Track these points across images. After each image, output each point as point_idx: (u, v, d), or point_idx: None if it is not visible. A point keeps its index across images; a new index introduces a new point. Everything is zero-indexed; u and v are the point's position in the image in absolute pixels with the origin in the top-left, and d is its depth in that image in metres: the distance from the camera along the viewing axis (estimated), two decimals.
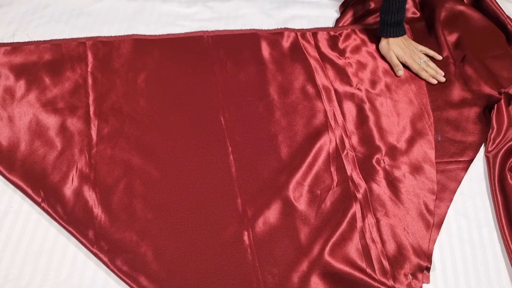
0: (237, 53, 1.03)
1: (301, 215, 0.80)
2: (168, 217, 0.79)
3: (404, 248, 0.78)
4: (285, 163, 0.86)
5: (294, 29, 1.09)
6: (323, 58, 1.03)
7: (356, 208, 0.81)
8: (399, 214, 0.81)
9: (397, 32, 1.00)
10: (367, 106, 0.95)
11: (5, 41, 1.02)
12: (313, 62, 1.02)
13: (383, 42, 1.03)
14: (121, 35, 1.04)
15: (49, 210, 0.78)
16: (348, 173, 0.85)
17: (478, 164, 0.90)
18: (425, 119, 0.94)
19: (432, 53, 1.03)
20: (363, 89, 0.98)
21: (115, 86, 0.95)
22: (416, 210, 0.82)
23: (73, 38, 1.03)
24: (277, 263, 0.75)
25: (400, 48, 1.01)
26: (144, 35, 1.05)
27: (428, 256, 0.77)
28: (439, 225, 0.81)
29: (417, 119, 0.94)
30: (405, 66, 1.01)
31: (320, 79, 0.99)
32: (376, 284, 0.73)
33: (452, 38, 1.07)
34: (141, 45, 1.03)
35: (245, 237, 0.77)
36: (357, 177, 0.85)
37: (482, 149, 0.91)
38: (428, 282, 0.75)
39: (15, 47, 0.99)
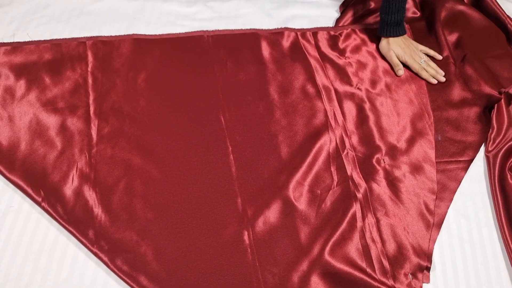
0: (237, 53, 1.03)
1: (301, 215, 0.80)
2: (168, 217, 0.79)
3: (404, 247, 0.78)
4: (285, 163, 0.86)
5: (294, 28, 1.09)
6: (323, 57, 1.03)
7: (356, 207, 0.81)
8: (399, 214, 0.81)
9: (397, 31, 1.00)
10: (367, 105, 0.95)
11: (5, 41, 1.02)
12: (313, 62, 1.02)
13: (383, 42, 1.03)
14: (121, 35, 1.04)
15: (49, 209, 0.78)
16: (348, 173, 0.85)
17: (478, 164, 0.90)
18: (425, 118, 0.94)
19: (432, 52, 1.03)
20: (363, 88, 0.98)
21: (115, 86, 0.95)
22: (416, 210, 0.82)
23: (73, 38, 1.03)
24: (277, 263, 0.75)
25: (400, 48, 1.01)
26: (144, 34, 1.05)
27: (428, 256, 0.77)
28: (439, 225, 0.81)
29: (417, 118, 0.94)
30: (405, 66, 1.01)
31: (320, 78, 0.99)
32: (376, 284, 0.73)
33: (452, 37, 1.07)
34: (141, 44, 1.03)
35: (245, 237, 0.77)
36: (357, 176, 0.85)
37: (482, 149, 0.91)
38: (428, 281, 0.75)
39: (15, 47, 1.00)
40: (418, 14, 1.14)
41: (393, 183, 0.85)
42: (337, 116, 0.93)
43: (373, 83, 0.99)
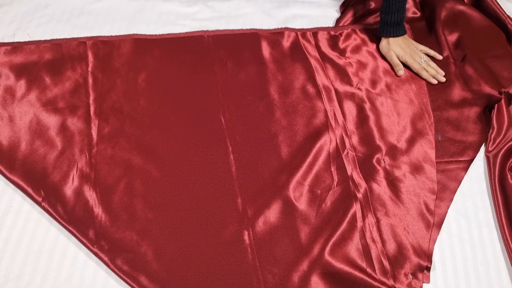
0: (238, 53, 1.03)
1: (302, 215, 0.80)
2: (169, 217, 0.79)
3: (404, 247, 0.78)
4: (286, 163, 0.86)
5: (295, 28, 1.09)
6: (324, 57, 1.03)
7: (356, 207, 0.81)
8: (400, 213, 0.81)
9: (397, 31, 1.00)
10: (367, 105, 0.95)
11: (5, 41, 1.02)
12: (313, 62, 1.02)
13: (384, 42, 1.03)
14: (122, 35, 1.04)
15: (49, 209, 0.78)
16: (349, 173, 0.85)
17: (478, 164, 0.90)
18: (426, 118, 0.94)
19: (432, 53, 1.03)
20: (364, 88, 0.98)
21: (116, 86, 0.95)
22: (417, 210, 0.82)
23: (73, 38, 1.03)
24: (277, 263, 0.75)
25: (401, 48, 1.01)
26: (145, 34, 1.05)
27: (428, 256, 0.77)
28: (439, 225, 0.81)
29: (418, 118, 0.94)
30: (405, 66, 1.01)
31: (321, 78, 0.99)
32: (376, 283, 0.73)
33: (452, 37, 1.07)
34: (142, 44, 1.03)
35: (245, 237, 0.77)
36: (357, 176, 0.85)
37: (482, 149, 0.91)
38: (428, 281, 0.75)
39: (15, 47, 1.00)
40: (418, 14, 1.14)
41: (393, 183, 0.85)
42: (337, 116, 0.93)
43: (373, 83, 0.99)
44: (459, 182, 0.86)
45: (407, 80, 1.00)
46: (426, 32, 1.10)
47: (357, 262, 0.75)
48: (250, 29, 1.08)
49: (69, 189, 0.81)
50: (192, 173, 0.84)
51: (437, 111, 0.95)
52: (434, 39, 1.08)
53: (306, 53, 1.03)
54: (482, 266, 0.78)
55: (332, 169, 0.86)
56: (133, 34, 1.05)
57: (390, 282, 0.74)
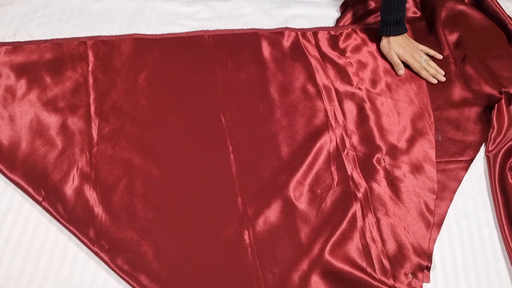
0: (238, 53, 1.03)
1: (302, 215, 0.80)
2: (169, 216, 0.79)
3: (404, 247, 0.78)
4: (286, 163, 0.86)
5: (295, 28, 1.09)
6: (324, 57, 1.03)
7: (356, 207, 0.81)
8: (400, 213, 0.81)
9: (397, 30, 1.00)
10: (367, 105, 0.95)
11: (6, 41, 1.02)
12: (313, 62, 1.02)
13: (384, 41, 1.03)
14: (122, 35, 1.04)
15: (50, 209, 0.78)
16: (349, 173, 0.85)
17: (479, 164, 0.90)
18: (426, 118, 0.94)
19: (432, 52, 1.03)
20: (364, 88, 0.98)
21: (116, 86, 0.95)
22: (417, 210, 0.82)
23: (74, 38, 1.03)
24: (277, 262, 0.75)
25: (401, 47, 1.01)
26: (145, 34, 1.05)
27: (428, 256, 0.77)
28: (439, 224, 0.81)
29: (418, 118, 0.94)
30: (406, 65, 1.01)
31: (321, 78, 0.99)
32: (376, 283, 0.73)
33: (452, 37, 1.07)
34: (142, 44, 1.03)
35: (246, 236, 0.77)
36: (357, 176, 0.85)
37: (482, 148, 0.91)
38: (428, 281, 0.75)
39: (16, 47, 1.00)
40: (419, 14, 1.14)
41: (393, 183, 0.85)
42: (337, 116, 0.93)
43: (374, 83, 0.99)
44: (459, 181, 0.86)
45: (407, 80, 1.00)
46: (426, 32, 1.10)
47: (357, 262, 0.75)
48: (250, 29, 1.08)
49: (69, 189, 0.81)
50: (193, 173, 0.84)
51: (437, 110, 0.95)
52: (434, 39, 1.08)
53: (306, 53, 1.03)
54: (482, 266, 0.78)
55: (332, 168, 0.86)
56: (134, 34, 1.05)
57: (390, 281, 0.74)
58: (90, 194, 0.80)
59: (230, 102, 0.94)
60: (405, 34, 1.02)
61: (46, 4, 1.12)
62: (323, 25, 1.11)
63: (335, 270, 0.74)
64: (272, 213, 0.80)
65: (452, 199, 0.84)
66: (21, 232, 0.78)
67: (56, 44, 1.01)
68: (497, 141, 0.90)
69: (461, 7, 1.10)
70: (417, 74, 1.01)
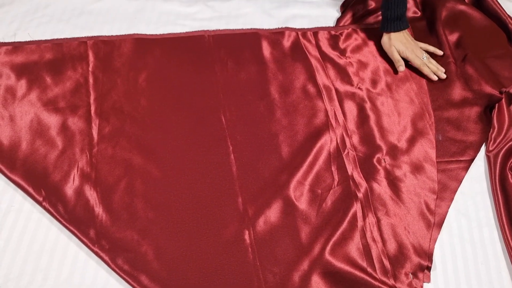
0: (238, 53, 1.03)
1: (302, 214, 0.80)
2: (169, 216, 0.79)
3: (405, 247, 0.78)
4: (286, 163, 0.86)
5: (295, 28, 1.09)
6: (324, 57, 1.03)
7: (357, 207, 0.81)
8: (400, 213, 0.81)
9: (398, 26, 0.99)
10: (368, 105, 0.95)
11: (6, 41, 1.02)
12: (314, 62, 1.02)
13: (385, 38, 1.02)
14: (122, 35, 1.04)
15: (50, 209, 0.78)
16: (349, 173, 0.85)
17: (479, 164, 0.90)
18: (426, 118, 0.94)
19: (432, 48, 1.03)
20: (364, 88, 0.98)
21: (116, 86, 0.95)
22: (417, 210, 0.82)
23: (74, 38, 1.03)
24: (278, 262, 0.75)
25: (402, 43, 1.00)
26: (145, 34, 1.05)
27: (429, 256, 0.77)
28: (440, 224, 0.81)
29: (418, 118, 0.94)
30: (406, 62, 1.01)
31: (321, 78, 0.99)
32: (377, 283, 0.73)
33: (453, 37, 1.07)
34: (142, 44, 1.03)
35: (246, 236, 0.77)
36: (358, 176, 0.85)
37: (483, 148, 0.91)
38: (429, 281, 0.75)
39: (16, 47, 1.00)
40: (419, 14, 1.14)
41: (393, 183, 0.85)
42: (337, 116, 0.93)
43: (374, 82, 0.99)
44: (459, 181, 0.86)
45: (408, 80, 1.00)
46: (427, 32, 1.10)
47: (358, 262, 0.75)
48: (251, 29, 1.08)
49: (69, 189, 0.81)
50: (193, 173, 0.84)
51: (438, 110, 0.95)
52: (434, 39, 1.08)
53: (307, 52, 1.03)
54: (483, 265, 0.78)
55: (333, 168, 0.86)
56: (134, 34, 1.05)
57: (391, 281, 0.74)
58: (91, 194, 0.80)
59: (230, 102, 0.94)
60: (406, 31, 1.02)
61: (46, 4, 1.12)
62: (324, 25, 1.11)
63: (335, 270, 0.74)
64: (273, 213, 0.80)
65: (452, 199, 0.84)
66: (22, 232, 0.78)
67: (57, 44, 1.01)
68: (498, 141, 0.90)
69: (462, 7, 1.10)
70: (415, 72, 1.00)
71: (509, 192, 0.83)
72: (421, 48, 1.02)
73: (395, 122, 0.93)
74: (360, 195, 0.82)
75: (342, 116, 0.93)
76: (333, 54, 1.04)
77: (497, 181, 0.85)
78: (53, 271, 0.75)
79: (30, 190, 0.80)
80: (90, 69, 0.97)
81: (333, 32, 1.08)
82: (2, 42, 1.01)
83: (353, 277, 0.74)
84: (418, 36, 1.08)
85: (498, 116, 0.93)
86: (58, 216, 0.78)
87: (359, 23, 1.11)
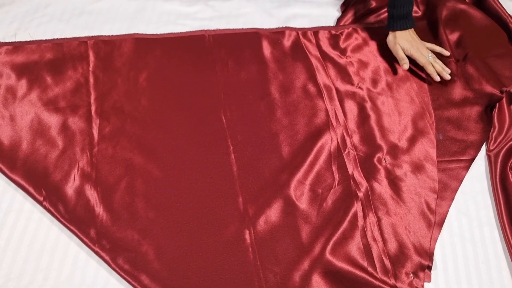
0: (238, 52, 1.03)
1: (303, 214, 0.80)
2: (170, 216, 0.79)
3: (405, 247, 0.78)
4: (287, 162, 0.86)
5: (295, 28, 1.09)
6: (324, 57, 1.03)
7: (357, 207, 0.81)
8: (401, 213, 0.81)
9: (404, 25, 0.98)
10: (368, 105, 0.95)
11: (6, 40, 1.02)
12: (314, 61, 1.02)
13: (390, 36, 1.01)
14: (123, 34, 1.04)
15: (50, 209, 0.78)
16: (350, 172, 0.85)
17: (480, 163, 0.90)
18: (427, 118, 0.94)
19: (438, 49, 1.01)
20: (365, 88, 0.98)
21: (117, 85, 0.95)
22: (418, 209, 0.82)
23: (74, 37, 1.03)
24: (278, 262, 0.75)
25: (407, 41, 0.99)
26: (145, 34, 1.05)
27: (429, 255, 0.77)
28: (440, 223, 0.81)
29: (419, 118, 0.94)
30: (411, 61, 1.00)
31: (322, 78, 0.99)
32: (377, 282, 0.73)
33: (453, 37, 1.07)
34: (143, 44, 1.03)
35: (247, 236, 0.77)
36: (358, 176, 0.85)
37: (483, 148, 0.91)
38: (429, 280, 0.75)
39: (16, 47, 1.00)
40: (420, 13, 1.14)
41: (394, 182, 0.85)
42: (338, 115, 0.93)
43: (374, 82, 0.99)
44: (460, 181, 0.86)
45: (408, 79, 1.00)
46: (427, 31, 1.10)
47: (358, 261, 0.75)
48: (251, 28, 1.08)
49: (70, 189, 0.81)
50: (193, 173, 0.84)
51: (438, 110, 0.95)
52: (435, 38, 1.07)
53: (307, 52, 1.03)
54: (483, 265, 0.78)
55: (333, 168, 0.86)
56: (134, 34, 1.05)
57: (391, 281, 0.74)
58: (91, 194, 0.80)
59: (231, 102, 0.94)
60: (412, 30, 1.01)
61: (46, 4, 1.12)
62: (324, 25, 1.11)
63: (336, 269, 0.74)
64: (273, 213, 0.80)
65: (453, 198, 0.84)
66: (22, 232, 0.78)
67: (57, 44, 1.01)
68: (498, 140, 0.90)
69: (462, 6, 1.10)
70: (416, 71, 1.00)
71: (510, 192, 0.83)
72: (427, 48, 1.01)
73: (396, 122, 0.93)
74: (360, 194, 0.82)
75: (343, 115, 0.93)
76: (333, 53, 1.04)
77: (497, 180, 0.85)
78: (54, 270, 0.75)
79: (31, 190, 0.80)
80: (90, 68, 0.97)
81: (333, 32, 1.08)
82: (2, 42, 1.01)
83: (353, 276, 0.74)
84: (418, 36, 1.08)
85: (498, 115, 0.93)
86: (58, 216, 0.78)
87: (360, 22, 1.11)
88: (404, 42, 0.99)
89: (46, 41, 1.01)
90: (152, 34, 1.05)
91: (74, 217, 0.78)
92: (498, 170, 0.86)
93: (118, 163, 0.84)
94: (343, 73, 1.00)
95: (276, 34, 1.07)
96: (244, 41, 1.05)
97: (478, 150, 0.90)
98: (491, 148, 0.89)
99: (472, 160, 0.89)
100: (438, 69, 0.98)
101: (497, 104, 0.94)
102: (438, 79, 0.97)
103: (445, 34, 1.06)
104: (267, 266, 0.75)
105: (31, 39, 1.02)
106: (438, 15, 1.09)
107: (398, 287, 0.74)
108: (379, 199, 0.83)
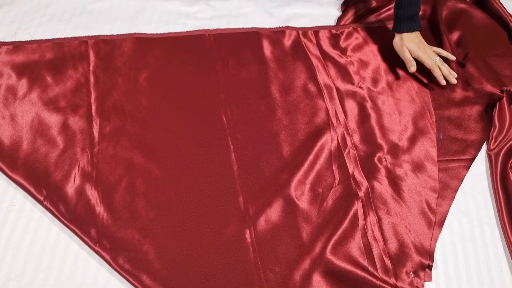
0: (239, 52, 1.03)
1: (303, 213, 0.80)
2: (170, 216, 0.79)
3: (406, 246, 0.78)
4: (287, 162, 0.86)
5: (296, 27, 1.09)
6: (325, 56, 1.03)
7: (358, 206, 0.81)
8: (401, 212, 0.81)
9: (411, 26, 0.97)
10: (368, 104, 0.95)
11: (7, 40, 1.02)
12: (314, 61, 1.02)
13: (397, 38, 0.99)
14: (123, 34, 1.04)
15: (51, 208, 0.78)
16: (350, 172, 0.85)
17: (480, 163, 0.90)
18: (427, 117, 0.94)
19: (445, 53, 0.98)
20: (365, 87, 0.98)
21: (117, 85, 0.95)
22: (418, 208, 0.82)
23: (75, 37, 1.03)
24: (279, 261, 0.75)
25: (414, 43, 0.97)
26: (146, 33, 1.05)
27: (430, 254, 0.77)
28: (441, 223, 0.81)
29: (419, 117, 0.94)
30: (418, 63, 0.98)
31: (322, 77, 0.99)
32: (378, 282, 0.73)
33: (454, 36, 1.07)
34: (143, 43, 1.03)
35: (247, 235, 0.77)
36: (359, 175, 0.85)
37: (484, 147, 0.91)
38: (430, 280, 0.75)
39: (17, 46, 1.00)
40: (420, 12, 1.14)
41: (394, 182, 0.85)
42: (338, 115, 0.93)
43: (375, 81, 0.99)
44: (460, 180, 0.86)
45: (409, 79, 1.00)
46: (428, 31, 1.10)
47: (359, 261, 0.75)
48: (251, 28, 1.08)
49: (70, 188, 0.81)
50: (194, 172, 0.84)
51: (439, 109, 0.95)
52: (435, 38, 1.07)
53: (308, 51, 1.03)
54: (484, 264, 0.78)
55: (334, 167, 0.86)
56: (134, 33, 1.05)
57: (392, 280, 0.74)
58: (92, 194, 0.80)
59: (231, 101, 0.94)
60: (419, 33, 0.99)
61: (47, 4, 1.12)
62: (324, 24, 1.11)
63: (336, 269, 0.74)
64: (274, 212, 0.80)
65: (453, 197, 0.84)
66: (23, 232, 0.78)
67: (57, 43, 1.01)
68: (499, 139, 0.90)
69: (462, 5, 1.10)
70: (420, 77, 0.99)
71: (510, 191, 0.83)
72: (434, 51, 0.99)
73: (396, 121, 0.93)
74: (361, 194, 0.82)
75: (343, 115, 0.93)
76: (334, 53, 1.04)
77: (498, 179, 0.85)
78: (54, 270, 0.75)
79: (31, 189, 0.80)
80: (91, 68, 0.97)
81: (334, 31, 1.08)
82: (3, 42, 1.01)
83: (354, 276, 0.74)
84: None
85: (499, 114, 0.93)
86: (59, 216, 0.78)
87: (360, 22, 1.11)
88: (411, 44, 0.97)
89: (46, 40, 1.01)
90: (153, 34, 1.05)
91: (75, 217, 0.78)
92: (498, 170, 0.86)
93: (119, 162, 0.84)
94: (344, 73, 1.00)
95: (277, 34, 1.07)
96: (245, 41, 1.05)
97: (478, 149, 0.90)
98: (492, 147, 0.89)
99: (473, 159, 0.89)
100: (445, 73, 0.95)
101: (498, 103, 0.94)
102: (444, 83, 0.95)
103: (445, 33, 1.06)
104: (267, 265, 0.75)
105: (32, 39, 1.02)
106: (438, 14, 1.09)
107: (398, 286, 0.74)
108: (379, 199, 0.83)
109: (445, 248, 0.79)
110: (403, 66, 1.00)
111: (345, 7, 1.16)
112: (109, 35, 1.04)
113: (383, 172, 0.86)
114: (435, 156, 0.88)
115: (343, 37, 1.07)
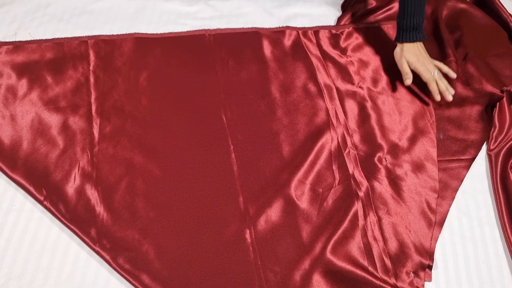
0: (239, 52, 1.03)
1: (303, 213, 0.80)
2: (170, 216, 0.79)
3: (406, 246, 0.78)
4: (287, 162, 0.86)
5: (296, 27, 1.08)
6: (325, 56, 1.03)
7: (358, 206, 0.81)
8: (401, 212, 0.81)
9: (413, 36, 0.93)
10: (369, 104, 0.95)
11: (7, 40, 1.02)
12: (314, 61, 1.02)
13: (398, 48, 0.96)
14: (123, 34, 1.04)
15: (51, 208, 0.78)
16: (350, 171, 0.85)
17: (480, 163, 0.90)
18: (427, 117, 0.94)
19: (446, 69, 0.94)
20: (365, 87, 0.98)
21: (117, 85, 0.95)
22: (418, 208, 0.82)
23: (75, 37, 1.03)
24: (279, 261, 0.75)
25: (414, 55, 0.93)
26: (146, 33, 1.05)
27: (430, 254, 0.77)
28: (441, 223, 0.81)
29: (419, 117, 0.94)
30: (416, 77, 0.95)
31: (322, 77, 0.99)
32: (378, 282, 0.73)
33: (454, 36, 1.07)
34: (143, 43, 1.03)
35: (247, 235, 0.77)
36: (359, 175, 0.85)
37: (484, 147, 0.91)
38: (430, 280, 0.75)
39: (17, 46, 1.00)
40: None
41: (395, 182, 0.85)
42: (338, 115, 0.93)
43: (375, 81, 0.99)
44: (460, 180, 0.86)
45: None
46: (428, 31, 1.10)
47: (359, 261, 0.75)
48: (251, 28, 1.08)
49: (71, 188, 0.81)
50: (194, 172, 0.84)
51: (439, 109, 0.95)
52: (435, 38, 1.07)
53: (308, 51, 1.03)
54: (484, 264, 0.78)
55: (334, 167, 0.86)
56: (135, 33, 1.05)
57: (392, 280, 0.74)
58: (92, 194, 0.80)
59: (231, 101, 0.94)
60: (422, 45, 0.95)
61: (47, 4, 1.12)
62: (324, 24, 1.11)
63: (336, 269, 0.74)
64: (274, 212, 0.80)
65: (453, 197, 0.84)
66: (23, 232, 0.78)
67: (57, 43, 1.01)
68: (499, 139, 0.90)
69: (463, 5, 1.10)
70: (417, 92, 0.98)
71: (510, 191, 0.83)
72: (435, 65, 0.94)
73: (396, 121, 0.93)
74: (361, 194, 0.82)
75: (343, 115, 0.93)
76: (334, 53, 1.04)
77: (498, 179, 0.85)
78: (55, 270, 0.75)
79: (31, 189, 0.80)
80: (91, 68, 0.97)
81: (334, 31, 1.08)
82: (3, 42, 1.01)
83: (354, 276, 0.74)
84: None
85: (499, 114, 0.93)
86: (59, 216, 0.78)
87: (360, 22, 1.11)
88: (411, 55, 0.93)
89: (46, 40, 1.01)
90: (153, 34, 1.05)
91: (75, 217, 0.78)
92: (498, 170, 0.86)
93: (119, 162, 0.84)
94: (344, 73, 1.00)
95: (277, 34, 1.07)
96: (245, 41, 1.05)
97: (478, 149, 0.90)
98: (492, 147, 0.89)
99: (473, 159, 0.89)
100: (441, 88, 0.92)
101: (498, 103, 0.94)
102: (438, 98, 0.92)
103: (445, 33, 1.06)
104: (267, 265, 0.75)
105: (32, 39, 1.02)
106: (438, 14, 1.09)
107: (398, 286, 0.74)
108: (379, 199, 0.83)
109: (445, 248, 0.80)
110: None
111: (345, 7, 1.15)
112: (109, 35, 1.04)
113: (383, 172, 0.86)
114: (435, 156, 0.88)
115: (343, 37, 1.07)
